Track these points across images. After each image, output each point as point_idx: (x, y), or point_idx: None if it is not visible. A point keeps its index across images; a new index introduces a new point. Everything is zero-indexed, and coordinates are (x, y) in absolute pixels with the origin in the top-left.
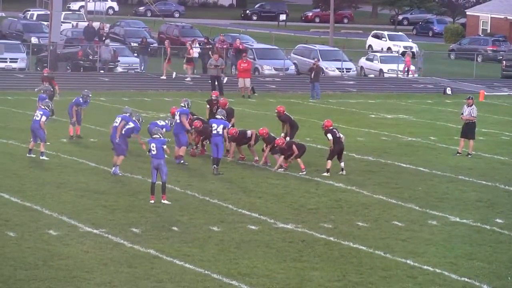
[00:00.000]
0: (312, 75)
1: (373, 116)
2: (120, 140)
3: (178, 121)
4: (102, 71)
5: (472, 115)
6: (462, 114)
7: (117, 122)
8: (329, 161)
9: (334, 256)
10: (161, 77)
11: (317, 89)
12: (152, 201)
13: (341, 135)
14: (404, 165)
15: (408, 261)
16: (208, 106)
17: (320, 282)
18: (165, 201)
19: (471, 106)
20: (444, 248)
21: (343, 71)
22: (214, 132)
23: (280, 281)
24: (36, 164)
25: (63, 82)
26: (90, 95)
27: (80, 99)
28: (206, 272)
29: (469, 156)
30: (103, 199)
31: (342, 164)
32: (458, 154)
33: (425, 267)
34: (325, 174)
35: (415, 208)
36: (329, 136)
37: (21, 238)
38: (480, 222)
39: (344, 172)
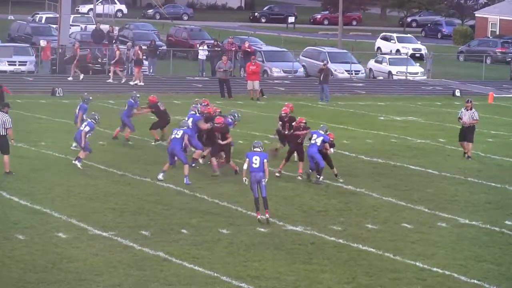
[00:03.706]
0: (321, 77)
1: (382, 118)
2: (179, 151)
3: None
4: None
5: (474, 118)
6: (460, 118)
7: (178, 135)
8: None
9: (343, 258)
10: (68, 78)
11: (326, 91)
12: (259, 217)
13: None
14: (413, 167)
15: (418, 263)
16: None
17: (329, 284)
18: (268, 216)
19: (470, 109)
20: (453, 250)
21: (352, 73)
22: None
23: (290, 284)
24: (45, 167)
25: (72, 85)
26: (90, 98)
27: (85, 105)
28: (215, 274)
29: (469, 158)
30: (112, 202)
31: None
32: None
33: (435, 269)
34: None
35: (424, 210)
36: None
37: (31, 241)
38: (489, 224)
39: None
